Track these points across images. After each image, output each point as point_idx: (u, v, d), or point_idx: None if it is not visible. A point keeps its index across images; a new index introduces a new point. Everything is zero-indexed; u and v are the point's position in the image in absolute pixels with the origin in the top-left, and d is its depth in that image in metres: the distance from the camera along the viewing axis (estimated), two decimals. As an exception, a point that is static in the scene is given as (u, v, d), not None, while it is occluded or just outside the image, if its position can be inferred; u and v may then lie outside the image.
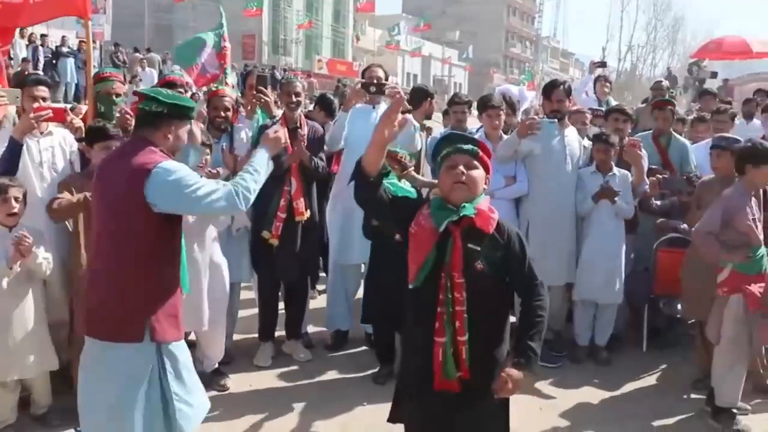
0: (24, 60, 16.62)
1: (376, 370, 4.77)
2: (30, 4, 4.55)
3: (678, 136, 5.88)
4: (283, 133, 3.16)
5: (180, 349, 2.88)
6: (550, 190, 4.94)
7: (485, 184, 2.65)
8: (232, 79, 8.55)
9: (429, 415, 2.65)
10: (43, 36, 18.65)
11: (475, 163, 2.62)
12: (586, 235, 5.06)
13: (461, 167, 2.57)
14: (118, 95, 4.67)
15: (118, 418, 2.69)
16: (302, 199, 4.77)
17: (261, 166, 2.95)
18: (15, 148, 3.82)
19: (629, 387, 4.78)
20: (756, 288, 3.98)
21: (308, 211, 4.80)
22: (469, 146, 2.64)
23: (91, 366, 2.78)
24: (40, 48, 18.22)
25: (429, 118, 6.39)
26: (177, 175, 2.68)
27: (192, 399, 2.88)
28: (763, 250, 4.04)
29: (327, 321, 5.37)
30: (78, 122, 4.31)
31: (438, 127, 6.52)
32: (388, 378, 4.62)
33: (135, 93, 2.93)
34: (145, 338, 2.71)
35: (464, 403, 2.60)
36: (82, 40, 18.66)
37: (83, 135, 4.21)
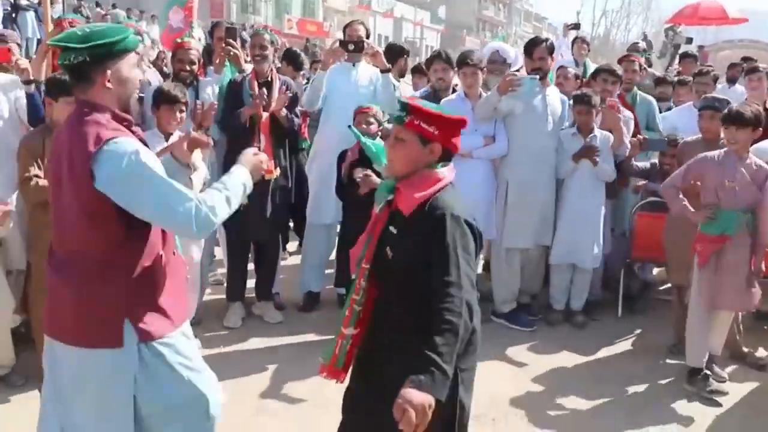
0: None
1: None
2: None
3: (645, 94, 5.84)
4: (265, 159, 2.60)
5: (174, 345, 2.39)
6: (530, 151, 4.82)
7: (426, 155, 2.28)
8: (198, 32, 8.28)
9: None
10: (1, -12, 17.88)
11: (403, 134, 2.28)
12: (565, 197, 4.97)
13: (391, 139, 2.35)
14: None
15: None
16: (272, 157, 4.59)
17: (234, 186, 2.36)
18: None
19: (604, 352, 4.75)
20: (709, 246, 4.02)
21: (277, 169, 4.63)
22: (396, 113, 2.32)
23: (62, 375, 2.34)
24: (-1, 1, 17.48)
25: (402, 76, 6.24)
26: (129, 163, 2.14)
27: (207, 393, 2.48)
28: (731, 213, 3.98)
29: (299, 282, 5.26)
30: (24, 63, 4.04)
31: (407, 87, 6.39)
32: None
33: (49, 45, 2.47)
34: (125, 342, 2.26)
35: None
36: (42, -9, 18.01)
37: (30, 77, 3.97)
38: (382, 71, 4.92)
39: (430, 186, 2.26)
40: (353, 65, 5.04)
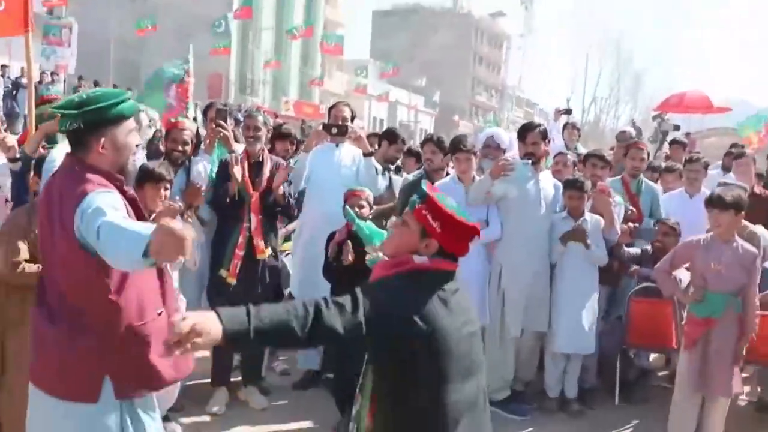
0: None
1: (338, 419, 4.50)
2: None
3: (648, 181, 5.85)
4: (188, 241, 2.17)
5: (148, 408, 2.40)
6: (524, 235, 4.79)
7: (421, 247, 2.18)
8: (192, 113, 8.39)
9: None
10: (3, 67, 18.26)
11: (408, 218, 2.23)
12: (559, 283, 4.91)
13: (399, 221, 2.35)
14: None
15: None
16: (262, 237, 4.54)
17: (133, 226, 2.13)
18: None
19: (602, 442, 4.59)
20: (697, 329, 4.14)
21: (268, 249, 4.58)
22: (413, 198, 2.27)
23: (35, 421, 2.36)
24: (0, 79, 17.82)
25: (395, 159, 6.26)
26: (94, 208, 2.15)
27: None
28: (717, 296, 4.07)
29: (298, 359, 5.20)
30: (11, 140, 4.06)
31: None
32: (347, 427, 4.36)
33: (51, 111, 2.50)
34: (101, 397, 2.25)
35: None
36: (43, 72, 18.35)
37: (16, 156, 3.96)
38: (365, 155, 4.95)
39: (395, 266, 2.19)
40: (336, 146, 5.09)
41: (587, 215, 4.91)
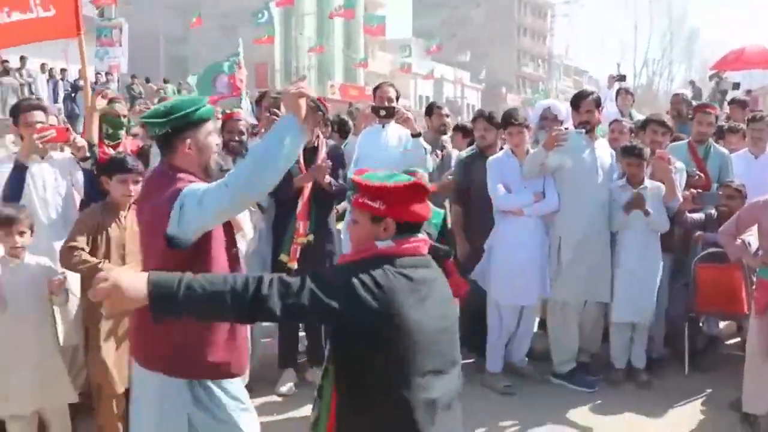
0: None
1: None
2: (8, 25, 4.36)
3: (718, 146, 5.66)
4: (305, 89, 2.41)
5: (227, 390, 2.67)
6: (582, 205, 4.72)
7: (379, 232, 2.07)
8: (246, 103, 8.50)
9: None
10: (62, 70, 18.84)
11: (355, 214, 2.14)
12: (621, 252, 4.83)
13: (350, 222, 2.25)
14: (124, 116, 4.86)
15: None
16: (305, 221, 4.56)
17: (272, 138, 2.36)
18: (20, 172, 3.78)
19: (674, 413, 4.51)
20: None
21: (310, 235, 4.58)
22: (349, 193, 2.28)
23: (145, 397, 2.67)
24: (60, 82, 18.41)
25: (444, 133, 6.23)
26: (189, 191, 2.42)
27: None
28: None
29: None
30: (81, 141, 4.21)
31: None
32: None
33: (141, 125, 2.72)
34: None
35: None
36: (98, 73, 18.84)
37: (86, 155, 4.10)
38: (413, 135, 4.94)
39: (359, 253, 2.08)
40: (383, 127, 5.09)
41: (647, 182, 4.81)
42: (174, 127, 2.54)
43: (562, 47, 66.43)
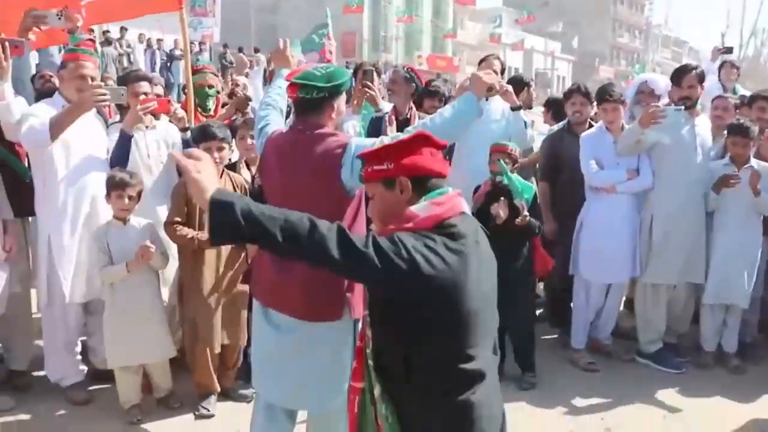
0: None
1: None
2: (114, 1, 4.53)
3: None
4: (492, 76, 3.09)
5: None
6: (678, 184, 4.60)
7: (396, 196, 1.94)
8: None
9: None
10: (158, 40, 19.54)
11: (369, 189, 2.04)
12: (718, 232, 4.70)
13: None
14: (210, 87, 5.01)
15: (337, 388, 2.78)
16: None
17: (452, 108, 2.92)
18: (125, 141, 3.97)
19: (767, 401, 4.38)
20: None
21: None
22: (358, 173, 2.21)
23: (283, 339, 2.85)
24: (157, 52, 19.12)
25: (529, 108, 6.15)
26: (360, 148, 2.66)
27: None
28: None
29: None
30: (181, 112, 4.42)
31: (538, 119, 6.30)
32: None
33: (291, 84, 2.88)
34: (344, 316, 2.79)
35: None
36: (191, 42, 19.40)
37: (186, 126, 4.30)
38: (513, 108, 4.89)
39: (394, 228, 1.90)
40: (486, 100, 5.01)
41: (753, 162, 4.63)
42: (330, 93, 2.80)
43: (661, 16, 63.51)
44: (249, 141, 4.27)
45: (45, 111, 3.84)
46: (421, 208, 1.89)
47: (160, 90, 4.81)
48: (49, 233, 3.91)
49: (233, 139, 4.31)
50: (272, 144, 2.95)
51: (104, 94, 3.76)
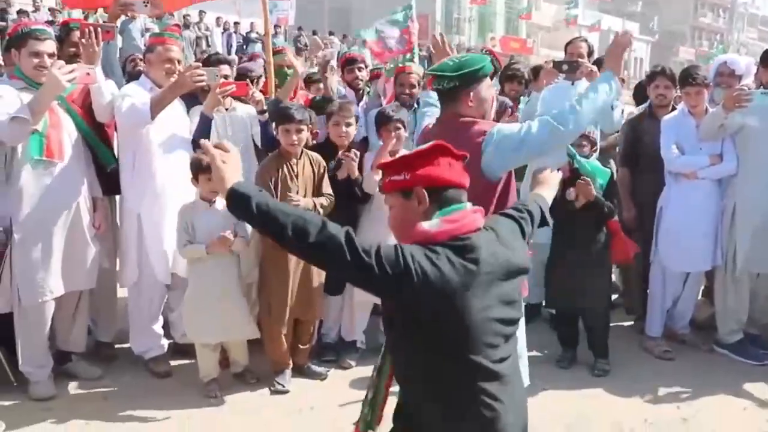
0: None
1: (558, 353, 4.59)
2: None
3: None
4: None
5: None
6: (764, 171, 4.42)
7: (414, 208, 1.91)
8: (416, 58, 8.56)
9: None
10: (235, 24, 19.96)
11: (388, 201, 1.99)
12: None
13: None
14: (290, 67, 5.03)
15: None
16: None
17: (594, 90, 2.93)
18: (206, 123, 4.10)
19: None
20: None
21: None
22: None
23: None
24: (233, 35, 19.55)
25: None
26: (503, 134, 2.82)
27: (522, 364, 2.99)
28: None
29: None
30: (259, 95, 4.51)
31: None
32: (571, 362, 4.49)
33: (428, 73, 3.00)
34: None
35: None
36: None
37: (263, 108, 4.39)
38: None
39: (409, 240, 1.87)
40: (572, 83, 4.90)
41: None
42: (462, 81, 2.82)
43: (748, -6, 60.48)
44: (343, 128, 4.27)
45: (137, 92, 4.01)
46: (432, 225, 1.86)
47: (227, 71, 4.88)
48: (139, 212, 4.08)
49: (326, 123, 4.38)
50: (423, 139, 3.02)
51: (201, 74, 3.89)
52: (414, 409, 1.99)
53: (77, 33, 4.02)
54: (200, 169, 3.79)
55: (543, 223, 2.40)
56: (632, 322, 5.17)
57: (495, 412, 1.87)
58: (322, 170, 4.13)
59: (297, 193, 3.99)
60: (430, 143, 1.98)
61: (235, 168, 1.91)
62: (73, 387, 4.06)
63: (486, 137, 2.78)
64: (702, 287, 5.27)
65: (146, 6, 4.39)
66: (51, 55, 3.76)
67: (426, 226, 1.86)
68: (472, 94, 2.86)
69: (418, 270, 1.73)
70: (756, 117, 4.37)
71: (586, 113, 2.88)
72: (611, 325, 4.60)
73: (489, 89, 2.96)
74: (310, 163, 4.10)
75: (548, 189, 2.63)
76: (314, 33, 21.66)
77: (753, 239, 4.48)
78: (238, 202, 1.83)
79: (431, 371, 1.89)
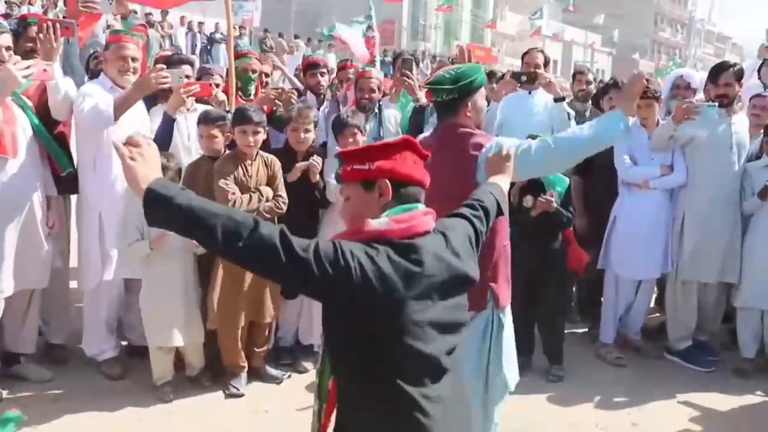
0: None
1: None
2: None
3: None
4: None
5: (507, 316, 3.00)
6: (711, 182, 4.55)
7: (375, 199, 1.86)
8: (377, 63, 8.62)
9: None
10: (200, 24, 19.75)
11: (345, 190, 1.93)
12: (754, 234, 4.60)
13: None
14: (254, 71, 4.99)
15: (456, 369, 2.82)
16: None
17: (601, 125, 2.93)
18: (169, 123, 4.07)
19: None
20: None
21: None
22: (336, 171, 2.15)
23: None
24: (198, 35, 19.34)
25: (583, 100, 6.05)
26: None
27: (507, 370, 3.01)
28: None
29: None
30: (222, 96, 4.48)
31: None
32: (526, 368, 4.46)
33: (426, 89, 3.06)
34: (487, 305, 2.89)
35: None
36: (233, 26, 19.60)
37: (226, 108, 4.36)
38: (555, 100, 4.87)
39: (352, 234, 1.82)
40: (529, 93, 5.00)
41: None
42: (460, 92, 2.87)
43: (704, 11, 62.00)
44: (302, 134, 4.24)
45: (97, 91, 3.96)
46: (380, 223, 1.79)
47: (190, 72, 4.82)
48: (100, 211, 4.03)
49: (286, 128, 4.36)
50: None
51: (166, 77, 3.85)
52: (347, 412, 1.88)
53: (34, 28, 3.94)
54: None
55: (498, 212, 2.39)
56: (586, 329, 5.25)
57: (426, 423, 1.79)
58: (275, 171, 4.11)
59: (251, 195, 3.98)
60: (400, 137, 1.96)
61: (151, 165, 1.73)
62: (21, 389, 3.96)
63: (483, 150, 2.81)
64: (655, 296, 5.39)
65: (111, 4, 4.31)
66: (7, 49, 3.70)
67: (374, 224, 1.80)
68: (469, 104, 2.92)
69: (357, 268, 1.67)
70: (703, 129, 4.49)
71: (580, 149, 2.93)
72: (566, 331, 4.67)
73: (483, 99, 3.04)
74: (265, 164, 4.09)
75: (503, 176, 2.56)
76: (280, 35, 21.56)
77: (695, 248, 4.61)
78: (156, 203, 1.65)
79: (364, 374, 1.81)
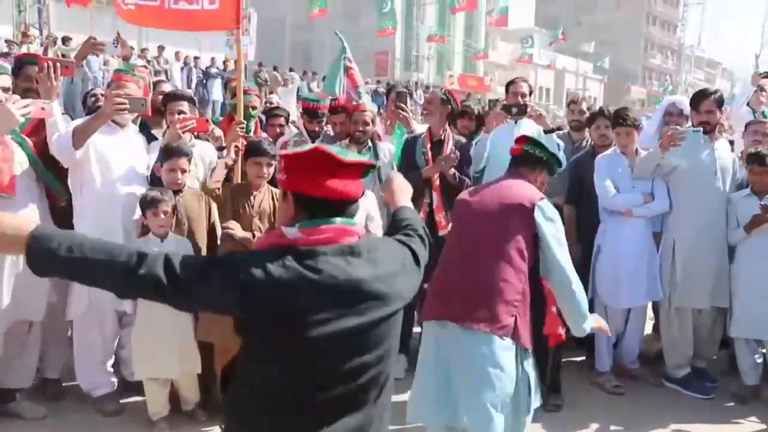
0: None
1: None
2: (167, 10, 4.52)
3: None
4: None
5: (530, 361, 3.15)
6: (697, 209, 4.58)
7: (288, 209, 1.80)
8: (366, 98, 8.65)
9: None
10: (195, 58, 19.91)
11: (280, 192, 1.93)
12: (743, 262, 4.59)
13: None
14: (254, 108, 5.07)
15: (499, 404, 3.00)
16: (443, 213, 4.69)
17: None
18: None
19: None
20: None
21: (449, 225, 4.72)
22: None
23: (455, 351, 3.06)
24: (193, 69, 19.49)
25: (577, 129, 6.10)
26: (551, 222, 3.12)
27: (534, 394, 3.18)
28: None
29: None
30: (218, 132, 4.51)
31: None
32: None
33: (519, 138, 3.34)
34: (510, 335, 3.01)
35: None
36: (226, 60, 19.75)
37: (222, 144, 4.39)
38: (546, 131, 4.91)
39: (270, 239, 1.82)
40: (515, 123, 5.03)
41: (775, 191, 4.54)
42: (545, 161, 3.28)
43: (694, 37, 62.76)
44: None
45: (70, 122, 3.99)
46: (289, 232, 1.73)
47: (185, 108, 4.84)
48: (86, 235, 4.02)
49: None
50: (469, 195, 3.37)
51: (123, 103, 3.83)
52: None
53: (32, 68, 3.99)
54: (146, 206, 3.78)
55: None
56: (584, 357, 5.24)
57: None
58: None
59: (252, 223, 4.00)
60: (309, 146, 1.77)
61: (19, 217, 1.69)
62: (14, 427, 3.92)
63: (536, 207, 3.10)
64: (652, 322, 5.39)
65: (116, 47, 4.39)
66: (6, 90, 3.74)
67: (284, 230, 1.75)
68: (543, 175, 3.26)
69: (246, 279, 1.63)
70: (687, 156, 4.50)
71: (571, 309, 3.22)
72: (563, 360, 4.66)
73: (546, 180, 3.33)
74: (272, 197, 4.12)
75: (404, 195, 2.42)
76: (275, 69, 21.74)
77: (686, 274, 4.61)
78: (41, 251, 1.60)
79: (264, 384, 1.77)
